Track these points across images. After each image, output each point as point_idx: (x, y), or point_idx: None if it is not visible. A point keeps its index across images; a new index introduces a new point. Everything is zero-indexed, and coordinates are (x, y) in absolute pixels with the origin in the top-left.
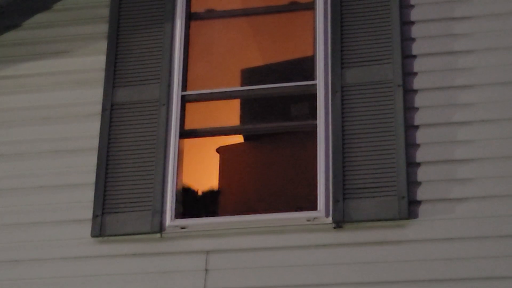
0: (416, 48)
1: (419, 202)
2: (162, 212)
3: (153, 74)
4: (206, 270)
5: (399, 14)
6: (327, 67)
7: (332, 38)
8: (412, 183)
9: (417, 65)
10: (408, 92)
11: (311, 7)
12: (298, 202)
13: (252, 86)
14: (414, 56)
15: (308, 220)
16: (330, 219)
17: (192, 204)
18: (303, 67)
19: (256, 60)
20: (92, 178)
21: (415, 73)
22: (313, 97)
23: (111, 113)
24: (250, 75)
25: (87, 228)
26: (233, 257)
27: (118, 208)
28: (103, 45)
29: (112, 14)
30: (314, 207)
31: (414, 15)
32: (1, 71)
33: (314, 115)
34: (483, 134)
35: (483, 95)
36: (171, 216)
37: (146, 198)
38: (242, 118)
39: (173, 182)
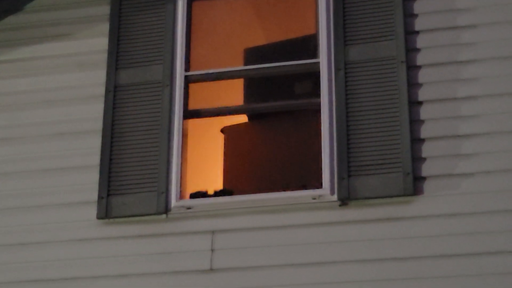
0: (419, 24)
1: (424, 178)
2: (167, 193)
3: (156, 55)
4: (212, 250)
5: None
6: (330, 44)
7: (335, 16)
8: (417, 159)
9: (420, 41)
10: (412, 68)
11: None
12: (303, 180)
13: (255, 65)
14: (417, 32)
15: (313, 198)
16: (335, 197)
17: (197, 184)
18: (306, 45)
19: (259, 39)
20: (96, 160)
21: (418, 49)
22: (317, 75)
23: (115, 94)
24: (253, 54)
25: (92, 210)
26: (239, 236)
27: (123, 189)
28: (105, 27)
29: None
30: (319, 185)
31: None
32: (4, 55)
33: (317, 93)
34: (487, 109)
35: (487, 70)
36: (176, 196)
37: (151, 179)
38: (246, 97)
39: (177, 162)
